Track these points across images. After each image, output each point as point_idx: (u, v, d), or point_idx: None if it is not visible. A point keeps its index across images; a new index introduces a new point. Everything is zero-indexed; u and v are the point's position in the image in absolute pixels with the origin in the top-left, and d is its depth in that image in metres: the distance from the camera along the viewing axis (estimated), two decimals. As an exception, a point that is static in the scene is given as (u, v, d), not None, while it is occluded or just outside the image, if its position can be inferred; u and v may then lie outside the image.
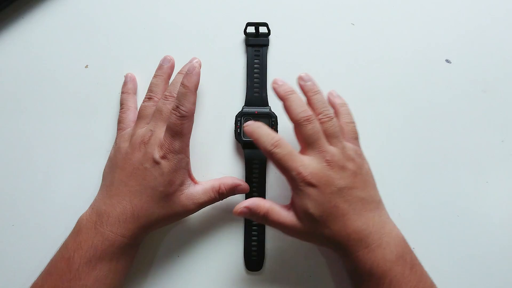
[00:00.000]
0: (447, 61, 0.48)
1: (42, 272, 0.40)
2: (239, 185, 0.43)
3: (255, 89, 0.46)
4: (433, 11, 0.48)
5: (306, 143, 0.40)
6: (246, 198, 0.45)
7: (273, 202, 0.40)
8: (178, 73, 0.45)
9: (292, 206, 0.40)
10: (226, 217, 0.46)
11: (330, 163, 0.39)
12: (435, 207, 0.46)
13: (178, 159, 0.40)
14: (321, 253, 0.45)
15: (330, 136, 0.40)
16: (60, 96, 0.47)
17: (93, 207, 0.41)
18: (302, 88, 0.42)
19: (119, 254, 0.39)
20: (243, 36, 0.47)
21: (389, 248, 0.38)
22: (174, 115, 0.40)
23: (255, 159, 0.46)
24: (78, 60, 0.47)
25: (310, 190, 0.38)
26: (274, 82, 0.41)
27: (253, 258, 0.45)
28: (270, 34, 0.47)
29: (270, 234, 0.46)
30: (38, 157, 0.46)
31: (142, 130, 0.42)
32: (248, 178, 0.46)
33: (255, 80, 0.46)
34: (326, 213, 0.38)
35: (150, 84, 0.45)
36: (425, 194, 0.46)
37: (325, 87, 0.47)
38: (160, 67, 0.45)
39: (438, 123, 0.47)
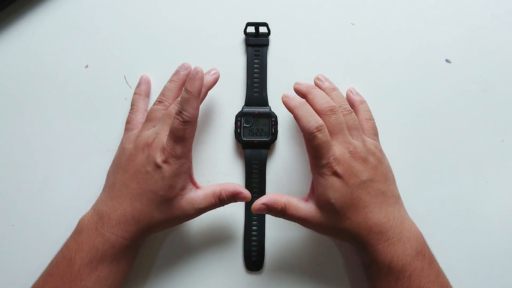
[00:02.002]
0: (447, 61, 0.48)
1: (43, 273, 0.40)
2: (240, 192, 0.41)
3: (255, 89, 0.46)
4: (433, 11, 0.48)
5: (330, 133, 0.40)
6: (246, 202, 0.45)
7: (290, 196, 0.41)
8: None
9: (311, 197, 0.41)
10: (226, 217, 0.46)
11: (353, 154, 0.39)
12: (435, 207, 0.46)
13: (180, 164, 0.39)
14: (321, 253, 0.45)
15: (350, 129, 0.41)
16: (60, 96, 0.47)
17: (94, 208, 0.41)
18: (319, 87, 0.44)
19: (120, 255, 0.39)
20: (243, 36, 0.47)
21: (409, 243, 0.38)
22: (177, 120, 0.39)
23: (255, 159, 0.46)
24: (78, 60, 0.47)
25: (335, 180, 0.38)
26: (295, 83, 0.43)
27: (253, 258, 0.45)
28: (270, 34, 0.47)
29: (270, 234, 0.46)
30: (38, 157, 0.46)
31: (148, 132, 0.41)
32: (248, 178, 0.46)
33: (255, 80, 0.46)
34: (348, 205, 0.38)
35: (164, 88, 0.44)
36: (425, 194, 0.46)
37: (325, 87, 0.47)
38: (176, 73, 0.45)
39: (438, 123, 0.47)
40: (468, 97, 0.47)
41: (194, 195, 0.41)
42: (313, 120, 0.38)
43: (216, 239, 0.46)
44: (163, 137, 0.40)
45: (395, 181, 0.42)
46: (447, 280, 0.39)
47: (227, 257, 0.45)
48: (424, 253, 0.39)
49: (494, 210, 0.46)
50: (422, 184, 0.46)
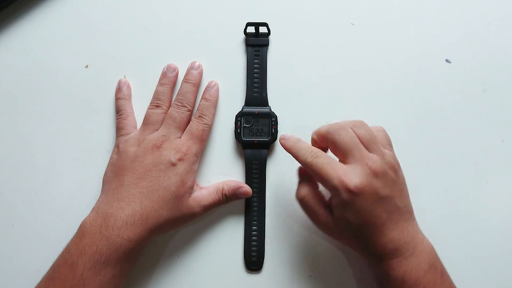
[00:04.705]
0: (447, 61, 0.48)
1: (44, 277, 0.39)
2: (241, 187, 0.44)
3: (255, 89, 0.46)
4: (433, 11, 0.48)
5: (344, 152, 0.38)
6: (246, 200, 0.46)
7: (317, 192, 0.40)
8: (184, 81, 0.46)
9: (329, 208, 0.40)
10: (226, 217, 0.46)
11: (373, 170, 0.37)
12: (435, 207, 0.46)
13: (193, 162, 0.42)
14: (321, 253, 0.45)
15: (367, 143, 0.39)
16: (60, 96, 0.47)
17: (97, 210, 0.40)
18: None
19: (124, 259, 0.39)
20: (243, 36, 0.47)
21: (422, 257, 0.38)
22: (198, 123, 0.44)
23: (255, 159, 0.46)
24: (78, 60, 0.47)
25: (353, 199, 0.37)
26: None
27: (253, 258, 0.45)
28: (270, 34, 0.47)
29: (270, 234, 0.46)
30: (38, 157, 0.46)
31: (153, 135, 0.43)
32: (248, 178, 0.46)
33: (255, 80, 0.46)
34: (366, 222, 0.37)
35: (156, 92, 0.45)
36: (424, 194, 0.46)
37: (325, 87, 0.47)
38: (165, 75, 0.46)
39: (438, 123, 0.47)
40: (468, 97, 0.47)
41: (199, 194, 0.43)
42: (308, 151, 0.39)
43: (216, 239, 0.46)
44: (174, 139, 0.43)
45: (408, 193, 0.40)
46: None
47: (227, 257, 0.45)
48: (436, 265, 0.38)
49: (494, 210, 0.46)
50: (422, 184, 0.46)
